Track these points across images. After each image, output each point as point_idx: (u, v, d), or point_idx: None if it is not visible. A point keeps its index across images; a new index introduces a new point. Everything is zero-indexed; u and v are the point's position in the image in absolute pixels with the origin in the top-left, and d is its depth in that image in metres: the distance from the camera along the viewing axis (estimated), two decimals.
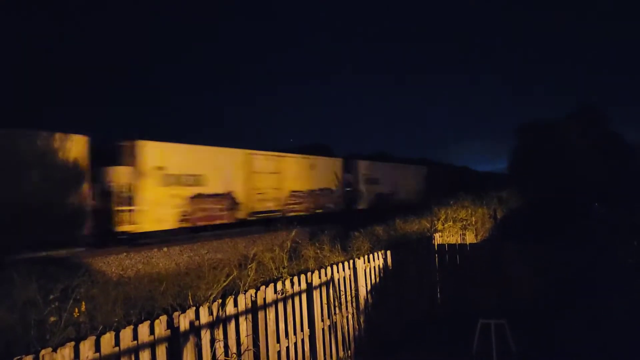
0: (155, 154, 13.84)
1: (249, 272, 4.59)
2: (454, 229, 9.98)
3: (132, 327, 3.12)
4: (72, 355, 2.76)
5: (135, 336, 3.11)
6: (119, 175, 13.24)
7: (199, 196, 15.31)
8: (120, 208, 13.09)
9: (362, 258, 6.05)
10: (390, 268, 6.65)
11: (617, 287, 5.96)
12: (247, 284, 4.33)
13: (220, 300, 3.82)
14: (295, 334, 4.67)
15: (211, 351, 3.62)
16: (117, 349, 2.99)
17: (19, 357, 2.54)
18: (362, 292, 5.91)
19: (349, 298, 5.63)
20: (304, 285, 4.88)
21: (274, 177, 19.05)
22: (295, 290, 4.73)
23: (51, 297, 3.27)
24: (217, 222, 16.31)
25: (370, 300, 6.06)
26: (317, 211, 21.39)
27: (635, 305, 5.72)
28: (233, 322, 3.90)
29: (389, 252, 6.68)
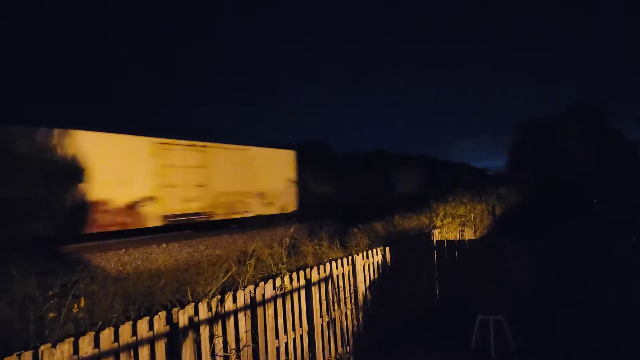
0: None
1: (248, 268, 4.60)
2: (453, 225, 10.00)
3: (131, 323, 3.12)
4: (72, 351, 2.77)
5: (134, 332, 3.12)
6: None
7: None
8: None
9: (360, 254, 6.06)
10: (389, 264, 6.65)
11: (617, 283, 5.97)
12: (246, 280, 4.34)
13: (219, 296, 3.82)
14: (294, 330, 4.68)
15: (210, 347, 3.63)
16: (116, 344, 3.00)
17: (18, 352, 2.55)
18: (361, 288, 5.92)
19: (347, 294, 5.64)
20: (302, 282, 4.89)
21: None
22: (294, 287, 4.74)
23: (50, 292, 3.27)
24: None
25: (369, 296, 6.07)
26: None
27: (634, 301, 5.74)
28: (232, 318, 3.91)
29: (387, 249, 6.69)
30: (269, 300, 4.35)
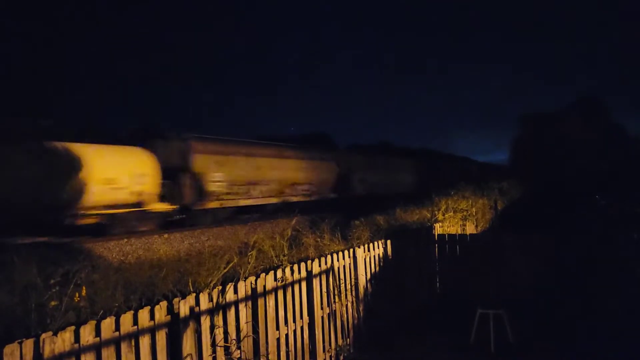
0: None
1: (249, 260, 4.60)
2: (455, 220, 9.98)
3: (132, 312, 3.13)
4: (73, 339, 2.77)
5: (135, 321, 3.12)
6: None
7: None
8: None
9: (362, 247, 6.06)
10: (390, 257, 6.66)
11: (617, 278, 5.97)
12: (247, 271, 4.34)
13: (220, 287, 3.83)
14: (294, 321, 4.69)
15: (211, 337, 3.64)
16: (117, 333, 3.01)
17: (19, 340, 2.56)
18: (362, 280, 5.93)
19: (348, 287, 5.65)
20: (304, 273, 4.89)
21: None
22: (295, 278, 4.74)
23: (52, 281, 3.28)
24: None
25: (369, 289, 6.08)
26: None
27: (635, 296, 5.74)
28: (233, 309, 3.92)
29: (389, 242, 6.69)
30: (269, 292, 4.36)
